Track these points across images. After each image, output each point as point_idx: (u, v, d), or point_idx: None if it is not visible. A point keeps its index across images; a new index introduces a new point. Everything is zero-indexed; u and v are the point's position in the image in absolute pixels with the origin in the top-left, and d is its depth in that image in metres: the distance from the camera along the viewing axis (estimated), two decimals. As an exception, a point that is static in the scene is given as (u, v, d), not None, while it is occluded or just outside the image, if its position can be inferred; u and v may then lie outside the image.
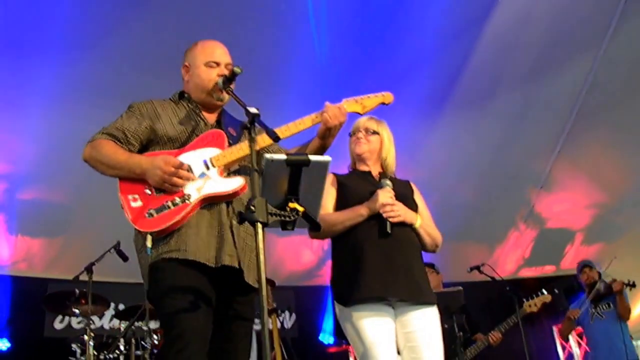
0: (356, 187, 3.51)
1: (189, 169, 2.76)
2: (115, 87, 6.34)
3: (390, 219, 3.29)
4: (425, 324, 3.24)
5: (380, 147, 3.64)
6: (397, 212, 3.31)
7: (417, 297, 3.25)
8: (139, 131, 2.88)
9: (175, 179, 2.69)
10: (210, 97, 2.99)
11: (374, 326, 3.18)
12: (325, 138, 2.98)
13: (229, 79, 2.85)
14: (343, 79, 6.68)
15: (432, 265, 6.33)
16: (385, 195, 3.34)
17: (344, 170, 3.75)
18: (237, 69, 2.80)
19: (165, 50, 6.09)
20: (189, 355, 2.54)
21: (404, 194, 3.48)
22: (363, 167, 3.66)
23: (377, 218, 3.32)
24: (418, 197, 3.63)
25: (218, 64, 2.99)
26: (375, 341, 3.14)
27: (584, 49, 7.82)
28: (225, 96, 2.98)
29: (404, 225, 3.36)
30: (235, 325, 2.84)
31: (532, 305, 6.18)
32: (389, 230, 3.27)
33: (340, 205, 3.48)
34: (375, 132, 3.63)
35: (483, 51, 7.46)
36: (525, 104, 8.28)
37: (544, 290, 6.29)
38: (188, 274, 2.67)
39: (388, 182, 3.44)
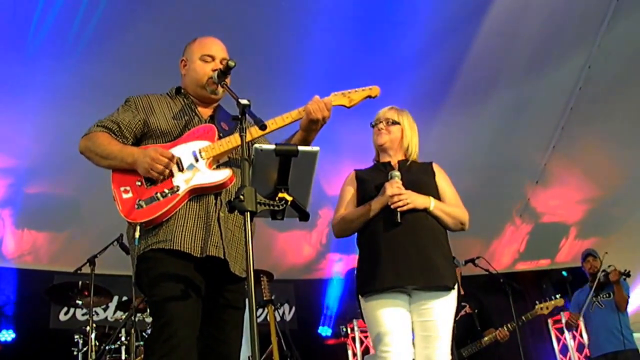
0: (372, 181, 3.58)
1: (179, 161, 2.82)
2: (118, 83, 6.36)
3: (399, 209, 3.34)
4: (440, 313, 3.28)
5: (402, 136, 3.70)
6: (405, 200, 3.35)
7: (434, 281, 3.28)
8: (133, 124, 2.95)
9: (159, 166, 2.74)
10: (204, 91, 3.05)
11: (389, 316, 3.25)
12: (308, 131, 2.97)
13: (224, 72, 2.90)
14: (337, 76, 6.69)
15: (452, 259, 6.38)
16: (392, 187, 3.38)
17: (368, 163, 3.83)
18: (231, 63, 2.85)
19: (167, 48, 6.11)
20: (178, 343, 2.57)
21: (417, 179, 3.53)
22: (385, 158, 3.72)
23: (389, 209, 3.38)
24: (441, 178, 3.66)
25: (213, 58, 3.04)
26: (390, 331, 3.21)
27: (578, 45, 7.88)
28: (220, 90, 3.03)
29: (417, 211, 3.40)
30: (226, 314, 2.88)
31: (544, 307, 6.26)
32: (398, 219, 3.33)
33: (361, 200, 3.57)
34: (395, 122, 3.69)
35: (478, 48, 7.49)
36: (521, 99, 8.32)
37: (557, 295, 6.38)
38: (176, 263, 2.71)
39: (396, 172, 3.48)
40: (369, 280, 3.32)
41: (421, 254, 3.31)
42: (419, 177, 3.57)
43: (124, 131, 2.94)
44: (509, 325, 6.11)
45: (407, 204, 3.36)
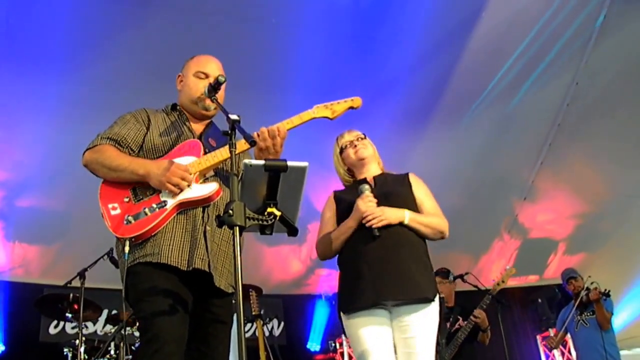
0: (346, 199, 3.54)
1: None
2: (110, 101, 6.26)
3: (374, 226, 3.30)
4: (421, 329, 3.21)
5: (374, 148, 3.71)
6: (379, 217, 3.30)
7: (413, 294, 3.22)
8: (138, 138, 2.99)
9: (177, 180, 2.76)
10: (196, 106, 3.10)
11: (370, 334, 3.21)
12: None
13: (214, 87, 2.90)
14: (327, 92, 6.66)
15: (446, 274, 6.42)
16: (365, 203, 3.36)
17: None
18: (221, 78, 2.86)
19: (159, 67, 6.18)
20: (164, 357, 2.57)
21: (392, 191, 3.50)
22: (361, 175, 3.66)
23: (365, 225, 3.34)
24: (418, 188, 3.59)
25: (207, 75, 3.09)
26: (372, 350, 3.17)
27: (565, 62, 7.98)
28: (212, 106, 3.08)
29: (393, 225, 3.34)
30: (212, 329, 2.89)
31: (500, 282, 6.10)
32: (377, 233, 3.29)
33: (340, 220, 3.53)
34: (364, 137, 3.70)
35: (466, 64, 7.57)
36: (508, 115, 8.39)
37: (508, 266, 6.34)
38: (163, 277, 2.73)
39: (366, 186, 3.45)
40: (350, 298, 3.29)
41: (399, 268, 3.25)
42: (394, 189, 3.53)
43: (130, 144, 2.97)
44: (479, 306, 5.93)
45: (382, 220, 3.32)
